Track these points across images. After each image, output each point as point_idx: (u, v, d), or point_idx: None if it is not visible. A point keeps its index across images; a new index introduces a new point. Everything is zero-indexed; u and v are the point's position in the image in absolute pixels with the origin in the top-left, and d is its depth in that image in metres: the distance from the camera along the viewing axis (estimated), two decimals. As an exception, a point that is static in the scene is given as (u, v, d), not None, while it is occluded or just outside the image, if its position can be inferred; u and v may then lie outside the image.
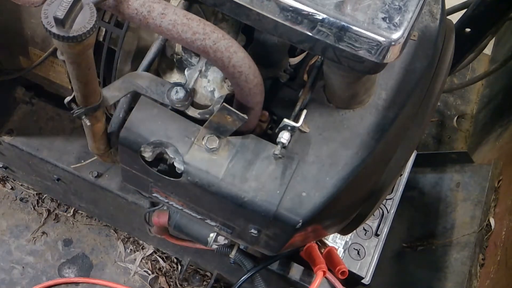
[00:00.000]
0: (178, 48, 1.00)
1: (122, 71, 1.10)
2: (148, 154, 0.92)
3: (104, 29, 1.09)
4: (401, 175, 1.59)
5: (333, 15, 0.75)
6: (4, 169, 1.82)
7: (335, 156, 0.92)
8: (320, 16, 0.75)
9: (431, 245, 1.86)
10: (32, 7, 0.85)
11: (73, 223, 1.98)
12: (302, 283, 1.35)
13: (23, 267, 1.90)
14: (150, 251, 1.95)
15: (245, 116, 0.86)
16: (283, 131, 0.89)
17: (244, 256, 1.30)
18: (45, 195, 2.00)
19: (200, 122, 0.92)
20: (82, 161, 1.49)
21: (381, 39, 0.75)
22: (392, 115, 0.95)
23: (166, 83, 0.94)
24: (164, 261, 1.94)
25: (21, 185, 2.01)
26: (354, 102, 0.94)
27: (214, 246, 1.25)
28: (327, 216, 0.94)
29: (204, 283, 1.91)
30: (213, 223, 1.05)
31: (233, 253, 1.30)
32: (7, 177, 2.01)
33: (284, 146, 0.89)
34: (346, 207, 0.98)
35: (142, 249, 1.95)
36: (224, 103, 0.86)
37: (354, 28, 0.75)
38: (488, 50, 2.25)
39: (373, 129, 0.93)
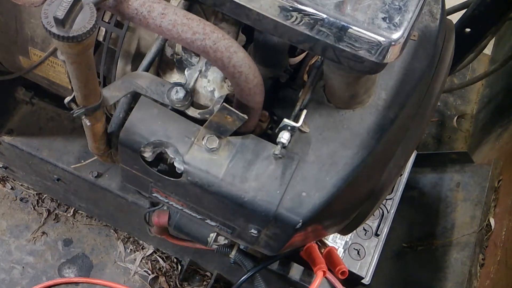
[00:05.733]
0: (178, 48, 1.00)
1: (122, 71, 1.10)
2: (148, 154, 0.92)
3: (104, 29, 1.09)
4: (401, 175, 1.59)
5: (333, 15, 0.75)
6: (4, 169, 1.82)
7: (335, 156, 0.92)
8: (320, 16, 0.75)
9: (431, 245, 1.86)
10: (32, 7, 0.85)
11: (73, 223, 1.98)
12: (302, 283, 1.35)
13: (23, 267, 1.90)
14: (150, 251, 1.95)
15: (245, 116, 0.86)
16: (283, 131, 0.89)
17: (244, 256, 1.30)
18: (45, 195, 2.00)
19: (200, 122, 0.92)
20: (82, 161, 1.50)
21: (381, 39, 0.75)
22: (392, 115, 0.95)
23: (166, 83, 0.94)
24: (164, 261, 1.94)
25: (21, 185, 2.01)
26: (354, 102, 0.94)
27: (214, 246, 1.25)
28: (327, 216, 0.94)
29: (204, 283, 1.91)
30: (213, 223, 1.06)
31: (233, 253, 1.30)
32: (7, 177, 2.01)
33: (284, 146, 0.89)
34: (346, 207, 0.98)
35: (142, 249, 1.95)
36: (224, 103, 0.86)
37: (354, 28, 0.75)
38: (488, 50, 2.25)
39: (373, 129, 0.93)
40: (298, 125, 0.88)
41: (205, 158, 0.90)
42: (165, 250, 1.93)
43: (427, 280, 1.79)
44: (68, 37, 0.67)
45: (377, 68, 0.80)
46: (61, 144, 1.53)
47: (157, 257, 1.95)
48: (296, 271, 1.35)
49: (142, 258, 1.94)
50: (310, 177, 0.90)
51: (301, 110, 0.93)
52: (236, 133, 0.91)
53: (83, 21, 0.68)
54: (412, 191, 1.97)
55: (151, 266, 1.93)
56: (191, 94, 0.94)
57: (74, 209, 1.99)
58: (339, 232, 1.14)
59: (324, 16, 0.75)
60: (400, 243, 1.90)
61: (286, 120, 0.88)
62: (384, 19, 0.76)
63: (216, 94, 0.97)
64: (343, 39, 0.76)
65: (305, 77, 1.02)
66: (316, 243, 1.32)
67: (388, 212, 1.54)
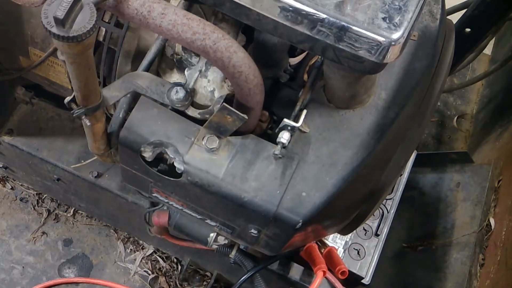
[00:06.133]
0: (178, 48, 1.00)
1: (122, 71, 1.10)
2: (148, 154, 0.92)
3: (104, 29, 1.09)
4: (401, 175, 1.59)
5: (333, 15, 0.75)
6: (4, 169, 1.82)
7: (335, 156, 0.92)
8: (320, 16, 0.75)
9: (431, 245, 1.86)
10: (32, 7, 0.85)
11: (73, 223, 1.98)
12: (302, 283, 1.35)
13: (23, 267, 1.90)
14: (150, 251, 1.95)
15: (245, 116, 0.86)
16: (283, 131, 0.89)
17: (244, 256, 1.30)
18: (45, 195, 2.00)
19: (200, 122, 0.92)
20: (82, 161, 1.49)
21: (381, 39, 0.75)
22: (392, 115, 0.95)
23: (166, 83, 0.94)
24: (164, 261, 1.94)
25: (21, 185, 2.01)
26: (354, 102, 0.94)
27: (214, 246, 1.25)
28: (327, 216, 0.94)
29: (204, 283, 1.91)
30: (213, 223, 1.06)
31: (233, 253, 1.30)
32: (7, 177, 2.01)
33: (284, 146, 0.89)
34: (346, 207, 0.98)
35: (142, 249, 1.95)
36: (224, 103, 0.86)
37: (354, 28, 0.75)
38: (488, 50, 2.25)
39: (373, 129, 0.93)
40: (298, 125, 0.88)
41: (205, 158, 0.90)
42: (165, 250, 1.93)
43: (427, 280, 1.79)
44: (68, 37, 0.67)
45: (377, 68, 0.80)
46: (61, 144, 1.53)
47: (157, 257, 1.95)
48: (296, 271, 1.35)
49: (142, 258, 1.94)
50: (310, 177, 0.90)
51: (301, 110, 0.93)
52: (236, 133, 0.91)
53: (83, 21, 0.68)
54: (412, 191, 1.97)
55: (151, 266, 1.93)
56: (191, 94, 0.94)
57: (74, 209, 1.99)
58: (339, 232, 1.14)
59: (324, 16, 0.75)
60: (400, 243, 1.90)
61: (286, 120, 0.88)
62: (384, 19, 0.76)
63: (216, 94, 0.97)
64: (343, 39, 0.76)
65: (305, 77, 1.02)
66: (316, 243, 1.32)
67: (388, 212, 1.54)
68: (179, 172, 0.91)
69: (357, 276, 1.46)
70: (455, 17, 1.58)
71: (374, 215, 1.51)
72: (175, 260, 1.95)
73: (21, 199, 2.01)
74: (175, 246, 1.66)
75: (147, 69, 0.98)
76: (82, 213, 1.99)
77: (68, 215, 1.99)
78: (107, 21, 1.08)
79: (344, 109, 0.95)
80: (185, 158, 0.90)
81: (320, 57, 0.97)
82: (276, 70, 1.01)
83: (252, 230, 0.97)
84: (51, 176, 1.61)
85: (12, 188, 2.02)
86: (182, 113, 0.94)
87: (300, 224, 0.89)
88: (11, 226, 1.96)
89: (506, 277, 1.49)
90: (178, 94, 0.92)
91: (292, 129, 0.89)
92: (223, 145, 0.91)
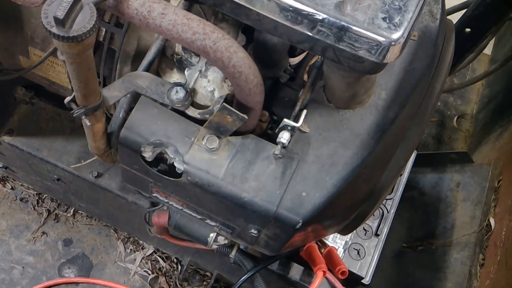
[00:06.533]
0: (178, 48, 1.00)
1: (122, 71, 1.10)
2: (148, 154, 0.92)
3: (104, 29, 1.09)
4: (401, 175, 1.59)
5: (333, 15, 0.75)
6: (4, 169, 1.82)
7: (335, 156, 0.92)
8: (320, 16, 0.75)
9: (431, 245, 1.86)
10: (32, 7, 0.85)
11: (73, 223, 1.98)
12: (302, 283, 1.35)
13: (23, 267, 1.90)
14: (150, 251, 1.95)
15: (245, 116, 0.86)
16: (283, 131, 0.89)
17: (244, 256, 1.30)
18: (45, 195, 2.00)
19: (200, 122, 0.92)
20: (82, 161, 1.49)
21: (381, 39, 0.75)
22: (392, 115, 0.95)
23: (166, 83, 0.94)
24: (164, 261, 1.95)
25: (21, 185, 2.01)
26: (354, 102, 0.94)
27: (214, 246, 1.25)
28: (327, 216, 0.94)
29: (204, 283, 1.91)
30: (213, 223, 1.06)
31: (233, 253, 1.30)
32: (7, 177, 2.01)
33: (284, 146, 0.89)
34: (346, 207, 0.98)
35: (142, 249, 1.95)
36: (224, 103, 0.86)
37: (354, 28, 0.75)
38: (488, 50, 2.25)
39: (373, 129, 0.93)
40: (298, 125, 0.88)
41: (205, 158, 0.90)
42: (165, 250, 1.93)
43: (427, 280, 1.79)
44: (68, 37, 0.67)
45: (377, 68, 0.80)
46: (61, 144, 1.53)
47: (157, 257, 1.95)
48: (296, 271, 1.35)
49: (142, 258, 1.94)
50: (310, 177, 0.90)
51: (301, 110, 0.93)
52: (236, 133, 0.91)
53: (83, 21, 0.68)
54: (412, 191, 1.97)
55: (151, 266, 1.93)
56: (191, 94, 0.94)
57: (74, 209, 1.99)
58: (339, 232, 1.14)
59: (324, 16, 0.75)
60: (400, 243, 1.90)
61: (286, 120, 0.88)
62: (384, 19, 0.76)
63: (216, 94, 0.97)
64: (343, 39, 0.76)
65: (305, 77, 1.02)
66: (316, 243, 1.32)
67: (388, 212, 1.54)
68: (179, 172, 0.91)
69: (357, 276, 1.46)
70: (455, 17, 1.58)
71: (374, 215, 1.51)
72: (175, 260, 1.95)
73: (21, 199, 2.01)
74: (175, 246, 1.66)
75: (147, 69, 0.98)
76: (82, 213, 1.99)
77: (68, 215, 1.99)
78: (107, 21, 1.08)
79: (344, 109, 0.95)
80: (185, 158, 0.90)
81: (320, 57, 0.97)
82: (276, 70, 1.01)
83: (252, 230, 0.97)
84: (51, 176, 1.61)
85: (12, 188, 2.02)
86: (182, 113, 0.94)
87: (300, 224, 0.89)
88: (11, 226, 1.96)
89: (506, 277, 1.49)
90: (178, 94, 0.92)
91: (292, 129, 0.89)
92: (223, 145, 0.91)
